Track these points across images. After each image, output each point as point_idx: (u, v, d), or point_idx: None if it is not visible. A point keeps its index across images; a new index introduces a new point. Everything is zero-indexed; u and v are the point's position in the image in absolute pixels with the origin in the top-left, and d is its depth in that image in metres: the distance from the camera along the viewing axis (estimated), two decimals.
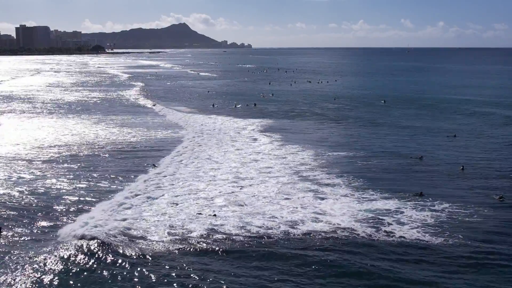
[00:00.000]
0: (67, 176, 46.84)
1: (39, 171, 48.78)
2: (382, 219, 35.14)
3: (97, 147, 60.70)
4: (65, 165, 51.52)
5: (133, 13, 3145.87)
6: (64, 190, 42.57)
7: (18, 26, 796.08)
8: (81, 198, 40.31)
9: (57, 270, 27.53)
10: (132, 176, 46.57)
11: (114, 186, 43.45)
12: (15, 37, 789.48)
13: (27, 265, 27.89)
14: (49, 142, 63.42)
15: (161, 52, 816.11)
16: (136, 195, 40.60)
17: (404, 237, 32.12)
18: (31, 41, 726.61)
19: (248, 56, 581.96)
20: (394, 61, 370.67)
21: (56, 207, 38.26)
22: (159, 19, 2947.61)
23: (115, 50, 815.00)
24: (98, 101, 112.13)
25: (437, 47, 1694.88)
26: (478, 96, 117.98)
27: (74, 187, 43.53)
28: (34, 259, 28.60)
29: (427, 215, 35.99)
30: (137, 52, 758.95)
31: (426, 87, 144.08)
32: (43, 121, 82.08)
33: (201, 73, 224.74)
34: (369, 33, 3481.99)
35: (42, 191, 42.34)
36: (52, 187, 43.53)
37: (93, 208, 37.43)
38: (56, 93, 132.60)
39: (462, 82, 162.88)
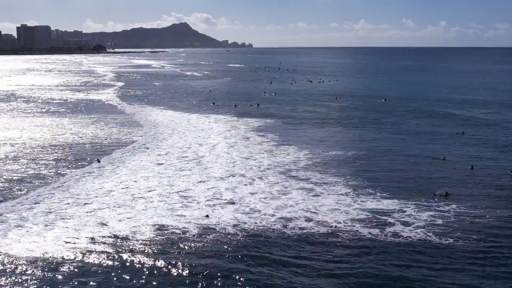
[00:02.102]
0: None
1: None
2: (385, 219, 34.67)
3: (51, 144, 60.81)
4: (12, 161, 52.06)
5: (134, 13, 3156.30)
6: None
7: (19, 25, 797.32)
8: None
9: None
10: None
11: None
12: (16, 37, 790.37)
13: None
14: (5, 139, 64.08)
15: (161, 51, 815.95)
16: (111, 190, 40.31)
17: (410, 237, 31.60)
18: (32, 41, 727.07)
19: (248, 55, 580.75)
20: (395, 61, 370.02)
21: None
22: (160, 19, 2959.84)
23: (116, 50, 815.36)
24: (71, 100, 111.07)
25: (438, 46, 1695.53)
26: (479, 95, 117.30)
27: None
28: None
29: (447, 215, 35.44)
30: (138, 52, 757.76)
31: (426, 86, 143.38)
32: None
33: (195, 73, 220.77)
34: (370, 32, 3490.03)
35: None
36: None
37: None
38: (32, 92, 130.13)
39: (463, 82, 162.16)
